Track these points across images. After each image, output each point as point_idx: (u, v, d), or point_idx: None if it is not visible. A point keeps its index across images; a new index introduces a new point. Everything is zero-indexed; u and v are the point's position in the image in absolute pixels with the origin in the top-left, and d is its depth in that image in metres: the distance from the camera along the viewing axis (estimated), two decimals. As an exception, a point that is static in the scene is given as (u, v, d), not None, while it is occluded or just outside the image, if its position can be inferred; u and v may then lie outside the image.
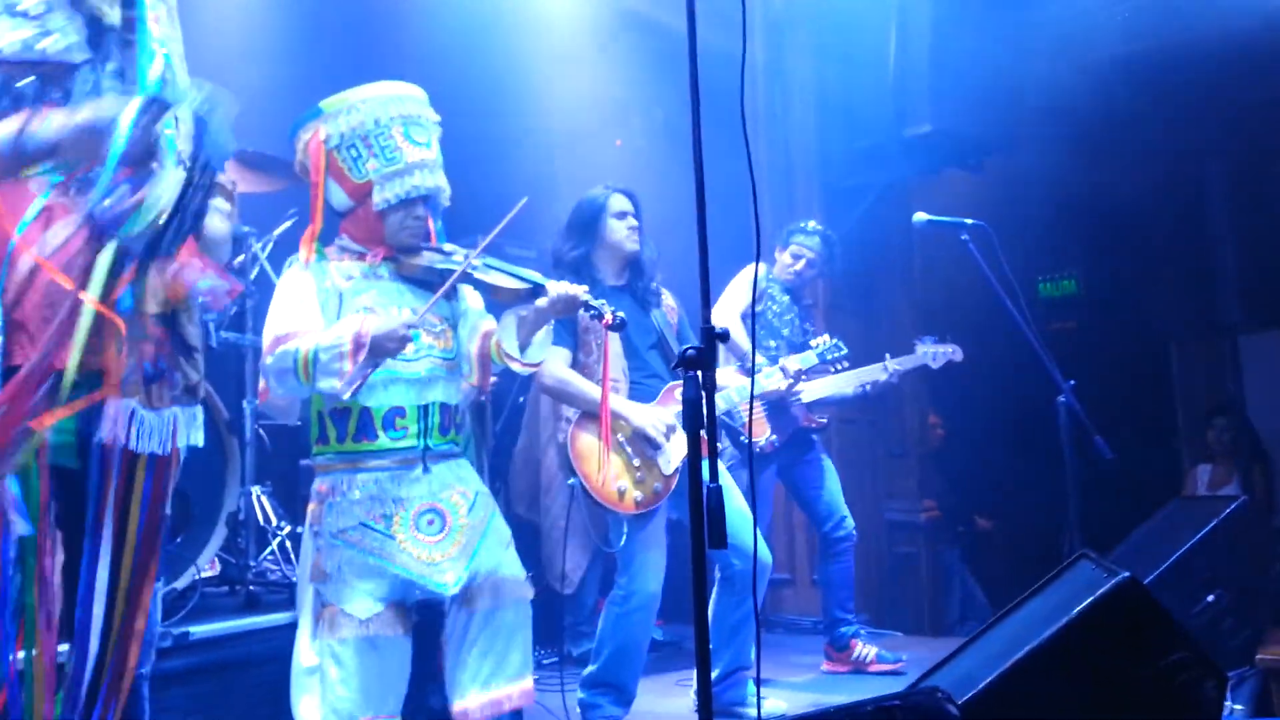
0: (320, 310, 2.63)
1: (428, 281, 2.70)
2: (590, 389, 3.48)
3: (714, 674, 3.55)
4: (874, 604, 5.59)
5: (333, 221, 2.78)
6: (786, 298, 4.53)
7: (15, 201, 1.90)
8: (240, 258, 4.25)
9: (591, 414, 3.49)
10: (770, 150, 6.18)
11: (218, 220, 2.39)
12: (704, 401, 2.01)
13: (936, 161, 6.06)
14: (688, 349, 1.97)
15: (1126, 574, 2.22)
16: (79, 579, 1.93)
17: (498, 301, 2.76)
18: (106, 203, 1.79)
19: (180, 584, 3.37)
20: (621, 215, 3.63)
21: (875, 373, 4.36)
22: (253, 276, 4.28)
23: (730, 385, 3.80)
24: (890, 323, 5.83)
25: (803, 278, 4.59)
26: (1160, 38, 5.26)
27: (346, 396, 2.53)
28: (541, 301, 2.68)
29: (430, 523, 2.61)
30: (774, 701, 3.74)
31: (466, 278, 2.67)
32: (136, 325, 1.95)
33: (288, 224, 4.46)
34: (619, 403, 3.48)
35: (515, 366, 2.72)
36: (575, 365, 3.48)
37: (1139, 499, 4.24)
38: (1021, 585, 2.77)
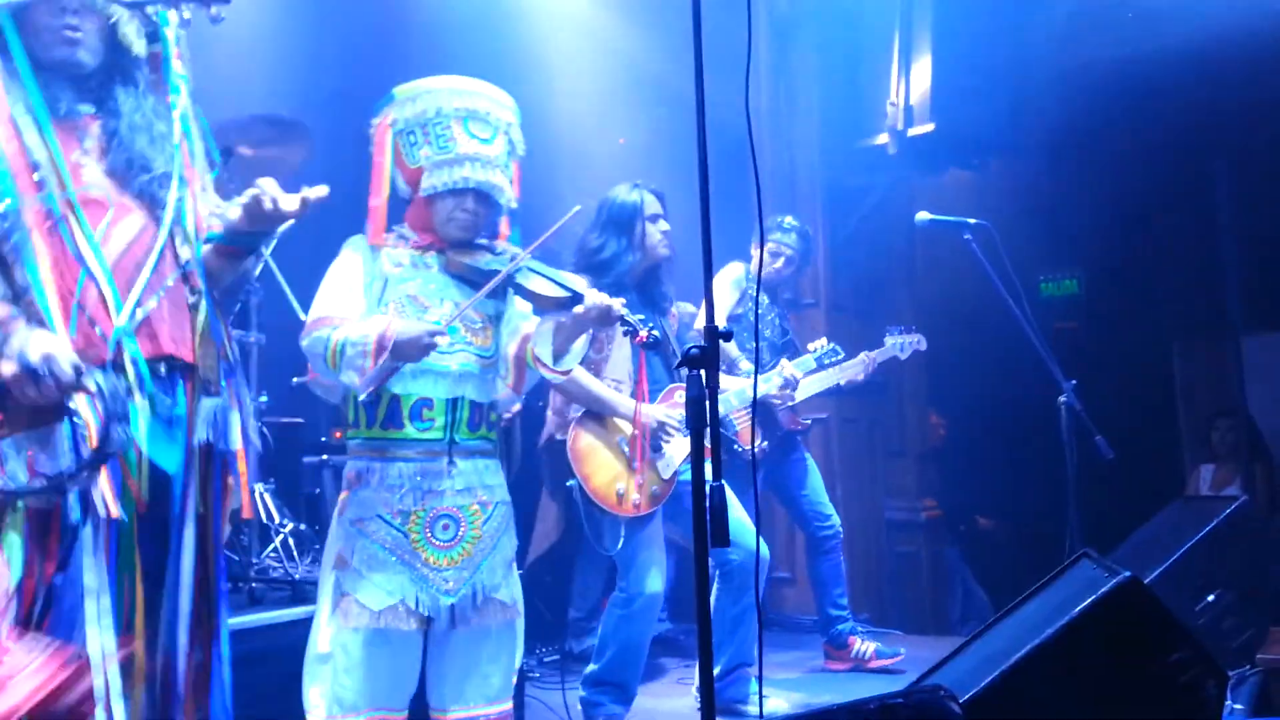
0: (364, 295, 2.63)
1: (473, 280, 2.67)
2: (603, 390, 3.48)
3: (715, 670, 3.56)
4: (875, 603, 5.60)
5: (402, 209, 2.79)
6: (765, 297, 4.52)
7: None
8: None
9: (595, 414, 3.50)
10: (774, 149, 6.18)
11: None
12: (707, 401, 2.02)
13: (939, 161, 6.06)
14: (691, 348, 1.97)
15: (1127, 573, 2.22)
16: (165, 571, 1.94)
17: (540, 307, 2.73)
18: None
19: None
20: (655, 219, 3.62)
21: (855, 368, 4.34)
22: (256, 273, 4.29)
23: (729, 389, 3.79)
24: (892, 322, 5.83)
25: (780, 275, 4.58)
26: (1164, 37, 5.25)
27: (363, 396, 2.55)
28: (578, 310, 2.65)
29: (445, 528, 2.59)
30: (775, 700, 3.75)
31: (509, 280, 2.64)
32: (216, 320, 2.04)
33: (290, 221, 4.46)
34: (625, 402, 3.49)
35: (546, 373, 2.69)
36: (583, 362, 3.46)
37: (1140, 499, 4.24)
38: (1022, 584, 2.77)
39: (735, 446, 4.23)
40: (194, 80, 2.14)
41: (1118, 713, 2.14)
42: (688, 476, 3.47)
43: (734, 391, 3.76)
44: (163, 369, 1.95)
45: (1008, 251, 3.77)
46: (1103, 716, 2.14)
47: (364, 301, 2.63)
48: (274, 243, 4.38)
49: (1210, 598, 3.32)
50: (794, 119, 6.22)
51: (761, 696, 2.92)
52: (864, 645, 4.46)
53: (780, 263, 4.55)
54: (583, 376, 3.41)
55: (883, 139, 5.89)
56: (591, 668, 3.58)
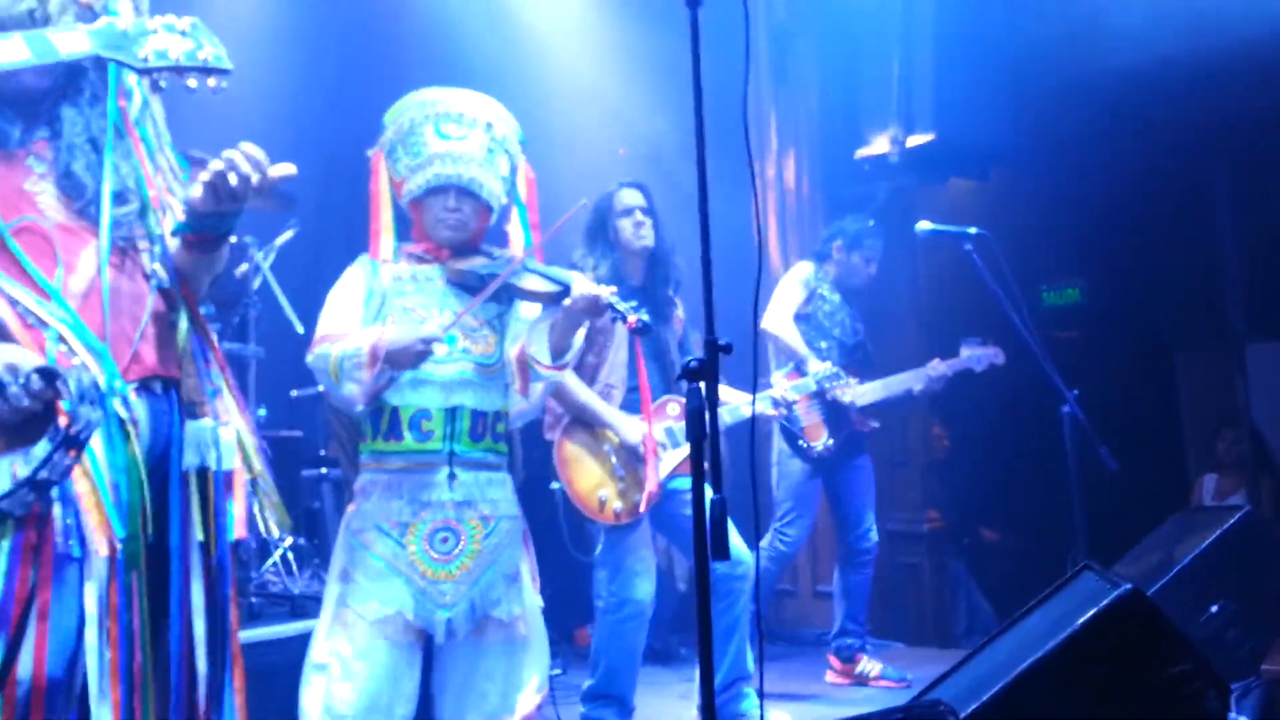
0: (363, 310, 2.65)
1: (472, 286, 2.67)
2: (593, 399, 3.47)
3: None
4: (878, 615, 5.56)
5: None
6: (838, 297, 4.53)
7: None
8: (243, 267, 4.26)
9: (582, 421, 3.49)
10: (775, 159, 6.18)
11: None
12: (707, 414, 2.00)
13: (940, 170, 6.05)
14: (690, 360, 1.96)
15: (1129, 585, 2.21)
16: (168, 599, 1.90)
17: (540, 305, 2.72)
18: None
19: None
20: (628, 211, 3.62)
21: (921, 377, 4.38)
22: (255, 286, 4.29)
23: (728, 402, 3.76)
24: (894, 332, 5.82)
25: (870, 278, 4.59)
26: (1165, 46, 5.24)
27: (360, 407, 2.58)
28: (567, 302, 2.64)
29: (444, 540, 2.57)
30: (778, 714, 3.73)
31: (505, 283, 2.64)
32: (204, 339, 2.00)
33: (288, 235, 4.47)
34: (611, 413, 3.48)
35: (544, 372, 2.67)
36: (578, 366, 3.42)
37: (1144, 509, 4.22)
38: (1026, 597, 2.76)
39: (800, 443, 4.24)
40: (184, 110, 2.10)
41: (1121, 726, 2.13)
42: (674, 485, 3.52)
43: (728, 407, 3.69)
44: (155, 387, 1.92)
45: (1009, 261, 3.76)
46: (1106, 730, 2.12)
47: (364, 317, 2.65)
48: (272, 255, 4.42)
49: (1214, 609, 3.30)
50: (793, 128, 6.22)
51: (763, 710, 2.89)
52: (870, 664, 4.44)
53: (873, 267, 4.57)
54: (573, 384, 3.41)
55: (883, 148, 5.89)
56: (588, 682, 3.57)
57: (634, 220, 3.60)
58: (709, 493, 1.96)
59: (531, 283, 2.68)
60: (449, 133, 2.69)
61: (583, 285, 2.65)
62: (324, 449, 4.60)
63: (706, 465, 2.01)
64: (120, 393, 1.83)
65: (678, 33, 2.16)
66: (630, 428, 3.44)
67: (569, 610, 4.78)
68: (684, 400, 3.36)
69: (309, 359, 2.64)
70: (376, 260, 2.72)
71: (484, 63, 5.40)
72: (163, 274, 1.97)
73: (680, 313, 3.77)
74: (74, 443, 1.69)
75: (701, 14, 2.11)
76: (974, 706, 2.06)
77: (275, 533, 2.15)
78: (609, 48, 5.95)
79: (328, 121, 5.29)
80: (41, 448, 1.67)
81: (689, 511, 3.33)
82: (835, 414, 4.34)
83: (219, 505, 1.98)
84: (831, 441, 4.33)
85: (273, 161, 1.92)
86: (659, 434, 3.50)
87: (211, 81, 1.84)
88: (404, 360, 2.51)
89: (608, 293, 2.66)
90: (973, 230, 3.85)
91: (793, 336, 4.33)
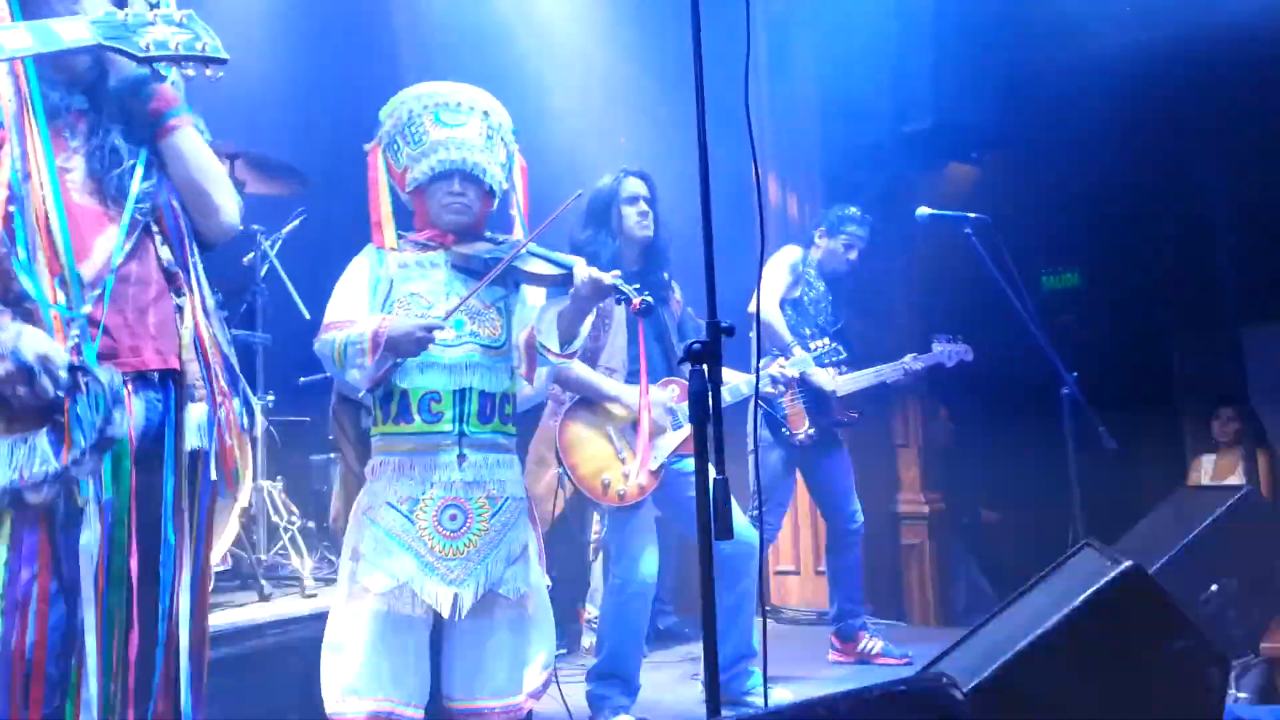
0: (370, 297, 2.71)
1: (476, 270, 2.74)
2: (597, 376, 3.52)
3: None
4: (880, 595, 5.61)
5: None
6: (822, 284, 4.55)
7: None
8: (250, 255, 4.29)
9: (586, 404, 3.53)
10: (774, 146, 6.20)
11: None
12: (710, 396, 2.03)
13: (938, 156, 6.07)
14: (693, 343, 1.99)
15: (1130, 562, 2.24)
16: (158, 574, 1.94)
17: (543, 288, 2.79)
18: None
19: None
20: (633, 200, 3.65)
21: (897, 370, 4.41)
22: (262, 273, 4.32)
23: (728, 382, 3.80)
24: (893, 318, 5.85)
25: (851, 265, 4.61)
26: (1163, 28, 5.25)
27: (362, 392, 2.66)
28: (572, 289, 2.70)
29: (452, 518, 2.63)
30: (780, 692, 3.77)
31: (509, 267, 2.70)
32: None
33: (295, 223, 4.50)
34: (615, 387, 3.52)
35: (554, 359, 2.73)
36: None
37: (1143, 489, 4.26)
38: (1026, 575, 2.78)
39: (783, 430, 4.28)
40: (193, 98, 2.12)
41: (1121, 700, 2.16)
42: (677, 466, 3.55)
43: (728, 386, 3.73)
44: (152, 377, 1.95)
45: (1008, 245, 3.79)
46: (1106, 704, 2.15)
47: (369, 305, 2.70)
48: (279, 243, 4.44)
49: (1214, 587, 3.33)
50: (792, 115, 6.23)
51: (766, 687, 2.93)
52: (872, 642, 4.48)
53: (855, 253, 4.57)
54: (576, 365, 3.44)
55: (881, 134, 5.90)
56: (594, 662, 3.62)
57: (638, 210, 3.64)
58: (712, 473, 1.99)
59: (535, 266, 2.74)
60: (448, 120, 2.75)
61: (585, 269, 2.71)
62: (332, 433, 4.62)
63: (709, 446, 2.04)
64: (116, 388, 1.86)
65: (678, 20, 2.19)
66: (635, 398, 3.49)
67: (573, 590, 4.82)
68: (685, 382, 3.43)
69: (316, 346, 2.70)
70: (382, 249, 2.78)
71: (485, 50, 5.41)
72: (170, 257, 2.01)
73: (678, 295, 3.80)
74: (106, 444, 1.74)
75: (701, 2, 2.13)
76: (976, 681, 2.08)
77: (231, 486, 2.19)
78: (610, 36, 5.96)
79: (334, 110, 5.31)
80: (52, 463, 1.72)
81: (693, 493, 3.40)
82: (818, 403, 4.36)
83: (204, 483, 2.03)
84: (813, 430, 4.35)
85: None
86: (661, 415, 3.53)
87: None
88: (405, 347, 2.57)
89: (611, 276, 2.70)
90: (972, 215, 3.88)
91: (778, 322, 4.35)
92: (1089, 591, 2.20)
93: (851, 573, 4.52)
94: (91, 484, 1.82)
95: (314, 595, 3.74)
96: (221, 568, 3.78)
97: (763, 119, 6.19)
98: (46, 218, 1.84)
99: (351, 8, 5.41)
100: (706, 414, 2.00)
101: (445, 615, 2.60)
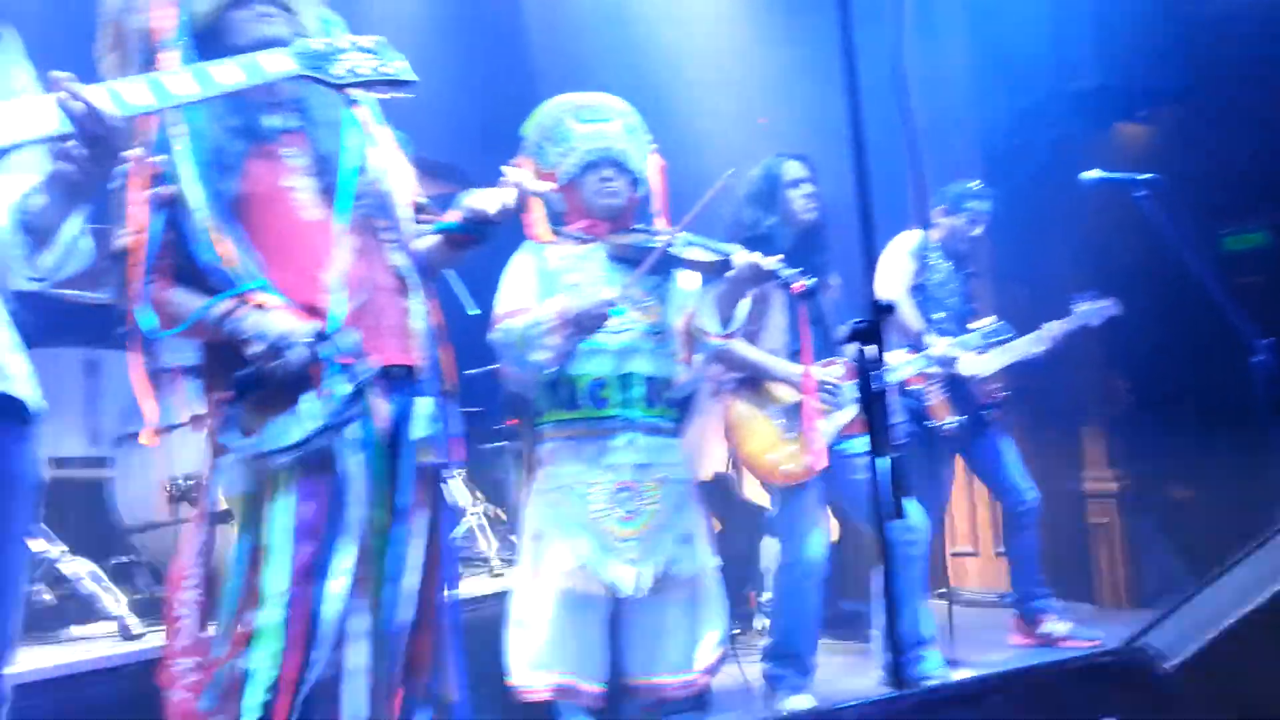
0: (537, 288, 2.85)
1: (634, 260, 2.83)
2: (762, 355, 3.54)
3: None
4: (1066, 576, 5.40)
5: None
6: (948, 266, 4.42)
7: None
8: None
9: (749, 384, 3.55)
10: (926, 114, 6.00)
11: None
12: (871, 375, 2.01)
13: (1105, 115, 5.79)
14: (857, 321, 1.98)
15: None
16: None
17: (699, 274, 2.87)
18: None
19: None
20: (796, 183, 3.66)
21: (1041, 341, 4.24)
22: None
23: (890, 364, 3.75)
24: (1059, 287, 5.61)
25: (974, 243, 4.48)
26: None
27: (551, 370, 2.75)
28: (731, 273, 2.76)
29: (626, 500, 2.73)
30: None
31: (666, 254, 2.77)
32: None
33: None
34: (781, 365, 3.54)
35: (712, 341, 2.84)
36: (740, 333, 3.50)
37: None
38: (1220, 554, 2.65)
39: (926, 422, 4.18)
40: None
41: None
42: (842, 447, 3.52)
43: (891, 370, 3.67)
44: (390, 374, 2.08)
45: (1185, 206, 3.60)
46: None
47: (536, 296, 2.84)
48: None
49: None
50: (941, 80, 6.02)
51: (949, 666, 2.90)
52: (1058, 624, 4.33)
53: (978, 229, 4.46)
54: (739, 344, 3.48)
55: (1043, 95, 5.66)
56: (768, 641, 3.67)
57: (803, 193, 3.65)
58: (883, 454, 1.97)
59: (693, 253, 2.82)
60: (588, 117, 2.91)
61: (745, 255, 2.77)
62: (502, 423, 4.77)
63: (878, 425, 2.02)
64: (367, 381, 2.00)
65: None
66: (800, 377, 3.47)
67: (741, 571, 4.84)
68: (847, 361, 3.41)
69: (493, 335, 2.83)
70: (540, 243, 2.90)
71: (620, 29, 5.46)
72: (403, 261, 2.13)
73: (834, 278, 3.77)
74: (358, 399, 1.93)
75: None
76: (1183, 655, 2.01)
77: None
78: (747, 15, 5.92)
79: (481, 112, 5.46)
80: (339, 389, 1.92)
81: (859, 476, 3.38)
82: (959, 389, 4.22)
83: (436, 470, 2.15)
84: (959, 419, 4.21)
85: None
86: (826, 395, 3.51)
87: (399, 94, 1.99)
88: (589, 323, 2.69)
89: (771, 261, 2.73)
90: (1143, 176, 3.70)
91: (909, 312, 4.22)
92: (1299, 567, 2.09)
93: (1028, 553, 4.39)
94: (350, 459, 1.95)
95: (500, 575, 3.94)
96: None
97: (912, 86, 5.99)
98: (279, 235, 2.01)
99: (496, 8, 5.54)
100: (873, 393, 1.98)
101: (626, 594, 2.69)
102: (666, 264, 2.84)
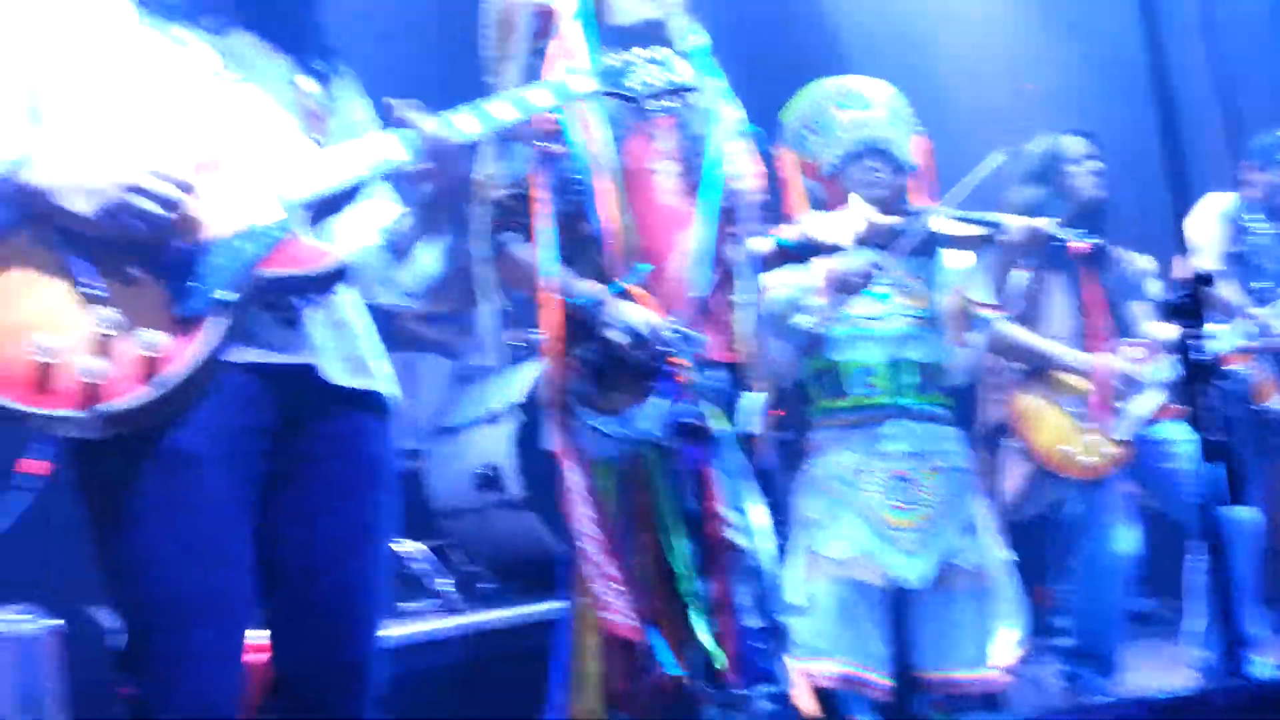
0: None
1: (896, 243, 2.78)
2: (1042, 341, 3.39)
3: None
4: None
5: None
6: (1269, 227, 4.00)
7: None
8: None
9: (1036, 373, 3.39)
10: (1209, 67, 5.53)
11: None
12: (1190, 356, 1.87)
13: None
14: (1181, 295, 1.83)
15: None
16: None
17: (968, 250, 2.80)
18: None
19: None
20: (1079, 160, 3.51)
21: None
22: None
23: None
24: None
25: None
26: None
27: (818, 329, 2.72)
28: (1003, 239, 2.68)
29: (901, 490, 2.68)
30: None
31: (930, 233, 2.73)
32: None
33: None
34: (1069, 353, 3.38)
35: (984, 312, 2.74)
36: (1017, 318, 3.37)
37: None
38: None
39: (1250, 405, 3.83)
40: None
41: None
42: (1152, 434, 3.28)
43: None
44: (722, 368, 2.20)
45: None
46: None
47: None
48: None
49: None
50: (1230, 28, 5.52)
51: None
52: None
53: None
54: (1019, 332, 3.35)
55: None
56: (1065, 640, 3.50)
57: (1089, 169, 3.51)
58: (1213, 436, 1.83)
59: (956, 228, 2.74)
60: (853, 105, 2.85)
61: (1017, 219, 2.72)
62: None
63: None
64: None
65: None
66: (1089, 363, 3.33)
67: (1034, 568, 4.62)
68: (1142, 341, 3.21)
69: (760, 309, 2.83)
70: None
71: (882, 20, 5.34)
72: (740, 256, 2.23)
73: (1121, 253, 3.54)
74: (712, 399, 2.10)
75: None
76: None
77: None
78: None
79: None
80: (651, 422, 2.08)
81: (1172, 465, 3.18)
82: None
83: (760, 465, 2.26)
84: None
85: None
86: (1122, 381, 3.30)
87: (687, 99, 2.09)
88: (853, 284, 2.66)
89: (1047, 223, 2.69)
90: None
91: (1225, 285, 3.81)
92: None
93: None
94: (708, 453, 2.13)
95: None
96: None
97: (1191, 38, 5.53)
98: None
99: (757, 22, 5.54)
100: (1198, 370, 1.83)
101: (908, 586, 2.65)
102: (931, 243, 2.76)
